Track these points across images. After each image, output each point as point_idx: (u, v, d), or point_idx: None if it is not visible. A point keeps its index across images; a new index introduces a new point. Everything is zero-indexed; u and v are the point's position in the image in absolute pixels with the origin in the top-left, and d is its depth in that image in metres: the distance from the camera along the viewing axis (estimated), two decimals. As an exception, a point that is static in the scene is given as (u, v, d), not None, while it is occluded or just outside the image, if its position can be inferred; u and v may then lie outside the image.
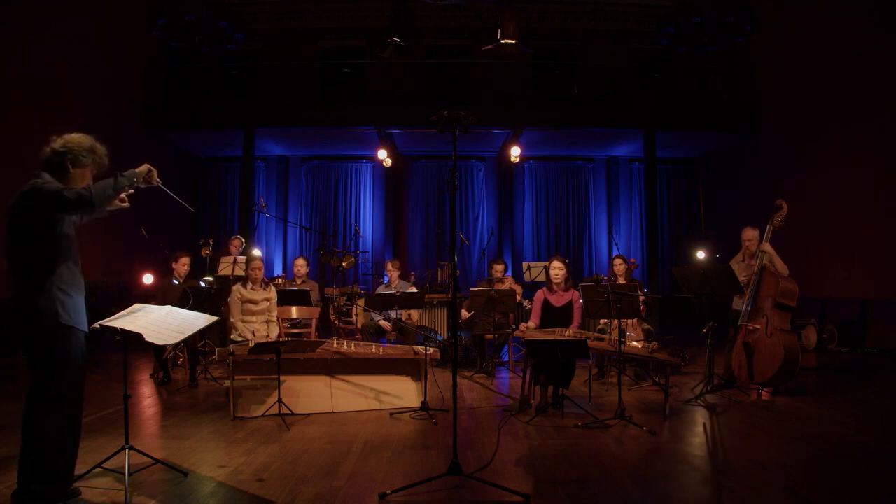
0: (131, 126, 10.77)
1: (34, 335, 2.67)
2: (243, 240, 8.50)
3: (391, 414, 4.72)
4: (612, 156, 13.36)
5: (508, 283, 7.37)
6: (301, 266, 7.72)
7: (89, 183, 2.88)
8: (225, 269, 7.53)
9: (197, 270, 7.35)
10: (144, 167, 2.90)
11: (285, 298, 6.64)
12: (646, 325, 6.36)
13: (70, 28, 9.23)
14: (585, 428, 4.26)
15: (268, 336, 5.93)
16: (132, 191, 2.87)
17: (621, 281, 6.37)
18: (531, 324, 5.82)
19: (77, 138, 2.85)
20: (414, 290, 7.15)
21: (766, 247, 5.48)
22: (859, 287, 8.80)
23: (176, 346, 6.32)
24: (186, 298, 5.49)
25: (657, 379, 5.78)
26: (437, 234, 12.49)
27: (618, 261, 6.66)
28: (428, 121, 3.46)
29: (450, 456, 3.15)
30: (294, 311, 6.83)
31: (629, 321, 5.92)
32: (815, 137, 9.66)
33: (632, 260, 7.16)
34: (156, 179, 2.94)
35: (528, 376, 4.94)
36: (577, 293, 5.74)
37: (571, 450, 3.77)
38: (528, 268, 8.50)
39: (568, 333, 5.24)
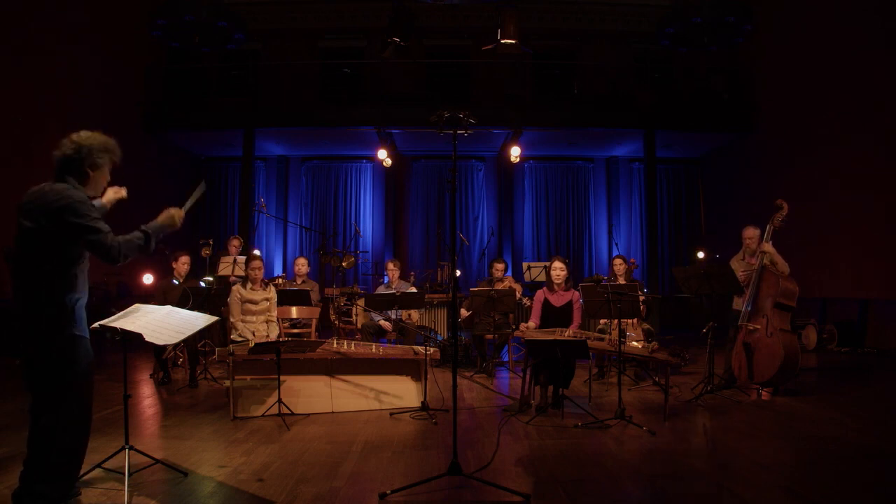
0: (131, 126, 10.75)
1: (41, 341, 2.63)
2: (242, 240, 8.50)
3: (391, 414, 4.72)
4: (612, 156, 13.35)
5: (508, 283, 7.37)
6: (301, 266, 7.73)
7: (107, 179, 2.85)
8: (225, 269, 7.53)
9: (197, 270, 7.35)
10: (168, 217, 2.93)
11: (285, 298, 6.64)
12: (646, 325, 6.36)
13: (70, 28, 9.22)
14: (585, 428, 4.27)
15: (268, 336, 5.93)
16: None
17: (621, 281, 6.37)
18: (531, 324, 5.81)
19: (91, 139, 2.73)
20: (414, 290, 7.14)
21: (767, 247, 5.48)
22: (859, 287, 8.80)
23: (176, 346, 6.32)
24: (186, 298, 5.49)
25: (657, 379, 5.78)
26: (437, 234, 12.48)
27: (618, 261, 6.66)
28: (428, 121, 3.46)
29: (450, 456, 3.15)
30: (294, 311, 6.83)
31: (629, 321, 5.92)
32: (815, 137, 9.65)
33: (632, 260, 7.16)
34: (181, 218, 2.99)
35: (528, 376, 4.94)
36: (577, 293, 5.74)
37: (571, 450, 3.77)
38: (529, 268, 8.49)
39: (568, 333, 5.24)
